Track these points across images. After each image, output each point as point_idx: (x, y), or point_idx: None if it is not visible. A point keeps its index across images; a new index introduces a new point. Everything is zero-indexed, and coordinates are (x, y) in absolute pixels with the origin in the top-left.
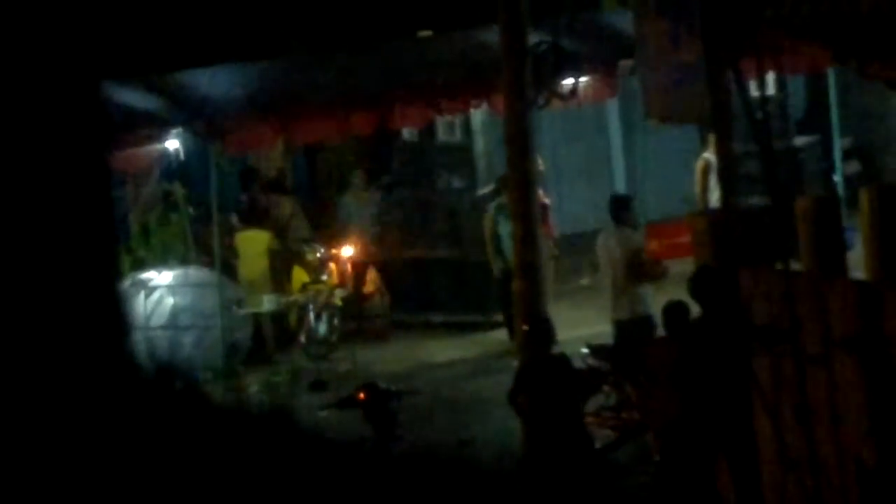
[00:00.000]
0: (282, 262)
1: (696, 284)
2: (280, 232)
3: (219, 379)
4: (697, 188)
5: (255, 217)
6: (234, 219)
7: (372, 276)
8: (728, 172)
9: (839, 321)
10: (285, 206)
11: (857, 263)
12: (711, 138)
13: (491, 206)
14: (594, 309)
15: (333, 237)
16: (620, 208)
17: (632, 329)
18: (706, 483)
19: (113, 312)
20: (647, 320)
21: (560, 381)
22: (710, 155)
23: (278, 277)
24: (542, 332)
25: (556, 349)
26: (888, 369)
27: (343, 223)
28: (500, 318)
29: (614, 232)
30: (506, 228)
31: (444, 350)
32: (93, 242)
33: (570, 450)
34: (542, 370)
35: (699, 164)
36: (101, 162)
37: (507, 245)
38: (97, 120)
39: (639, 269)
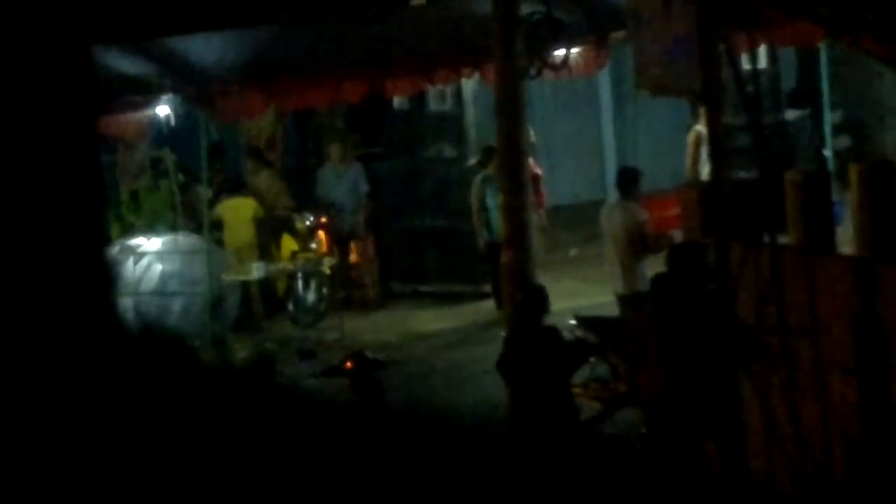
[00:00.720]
0: (270, 230)
1: (674, 260)
2: (259, 201)
3: (206, 345)
4: (688, 160)
5: (236, 186)
6: (203, 190)
7: (359, 246)
8: (718, 145)
9: (830, 296)
10: (262, 177)
11: (845, 238)
12: (703, 111)
13: (477, 178)
14: (582, 280)
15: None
16: (628, 181)
17: (632, 304)
18: (693, 455)
19: (100, 277)
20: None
21: (549, 352)
22: (701, 127)
23: (266, 245)
24: (537, 301)
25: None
26: (878, 345)
27: (321, 196)
28: (488, 288)
29: (618, 205)
30: (493, 199)
31: (433, 320)
32: (80, 207)
33: (555, 420)
34: (531, 339)
35: (691, 137)
36: (89, 126)
37: (495, 216)
38: (86, 84)
39: (642, 243)
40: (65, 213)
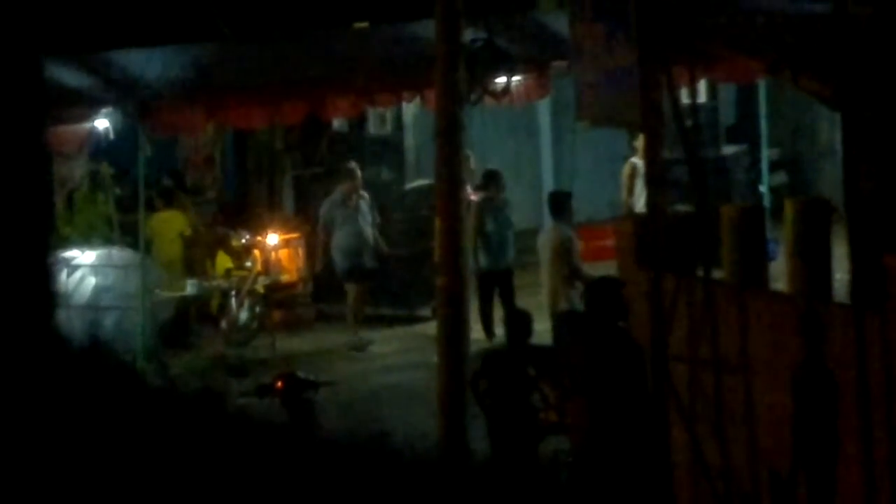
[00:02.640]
0: (205, 247)
1: (589, 296)
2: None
3: (139, 361)
4: (623, 192)
5: (170, 198)
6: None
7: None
8: (655, 178)
9: (762, 331)
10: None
11: (779, 275)
12: (639, 144)
13: (478, 201)
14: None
15: (259, 223)
16: (558, 204)
17: (565, 322)
18: (619, 486)
19: (42, 287)
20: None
21: (522, 373)
22: (637, 160)
23: (198, 261)
24: (521, 324)
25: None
26: (810, 381)
27: (325, 227)
28: (424, 312)
29: (549, 227)
30: (494, 224)
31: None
32: (27, 217)
33: (522, 439)
34: (507, 360)
35: (626, 169)
36: (37, 138)
37: (495, 242)
38: (35, 96)
39: (566, 262)
40: (11, 222)
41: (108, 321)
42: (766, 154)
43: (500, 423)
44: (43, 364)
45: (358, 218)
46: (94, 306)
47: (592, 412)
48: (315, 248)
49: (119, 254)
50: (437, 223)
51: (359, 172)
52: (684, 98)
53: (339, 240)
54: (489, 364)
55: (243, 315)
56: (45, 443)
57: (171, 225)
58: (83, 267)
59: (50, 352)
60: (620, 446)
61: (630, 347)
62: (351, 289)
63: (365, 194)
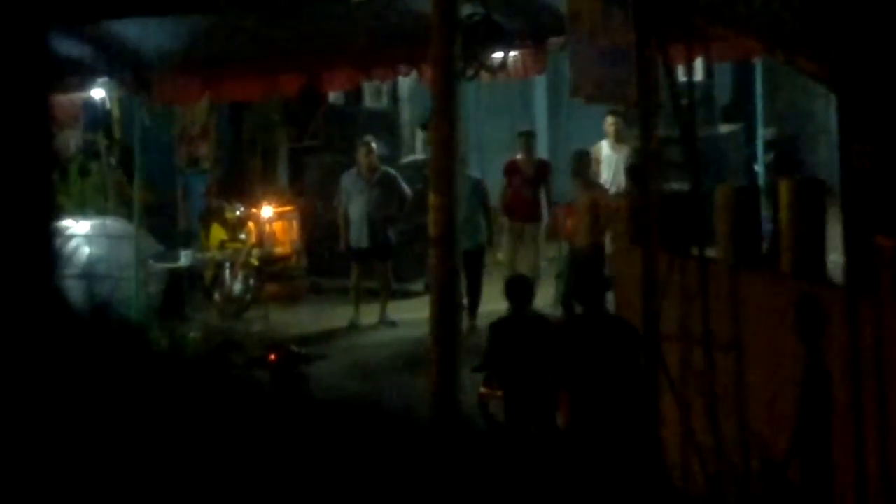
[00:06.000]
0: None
1: (576, 275)
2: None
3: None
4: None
5: None
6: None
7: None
8: (649, 156)
9: (755, 310)
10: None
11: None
12: (609, 127)
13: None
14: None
15: (254, 196)
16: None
17: None
18: (610, 462)
19: (46, 253)
20: None
21: (533, 340)
22: (605, 143)
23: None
24: (521, 289)
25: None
26: (811, 364)
27: (339, 200)
28: (417, 287)
29: None
30: (466, 203)
31: (359, 316)
32: (33, 185)
33: (535, 408)
34: (517, 328)
35: (593, 151)
36: (42, 106)
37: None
38: (41, 64)
39: None
40: (17, 190)
41: (102, 291)
42: (762, 133)
43: (514, 392)
44: (47, 326)
45: (368, 194)
46: (87, 276)
47: (576, 404)
48: (308, 221)
49: (113, 224)
50: (432, 199)
51: (373, 146)
52: (681, 76)
53: (348, 215)
54: (498, 333)
55: (237, 287)
56: (49, 408)
57: None
58: (77, 237)
59: (54, 315)
60: (609, 434)
61: (624, 329)
62: (353, 266)
63: (388, 170)
